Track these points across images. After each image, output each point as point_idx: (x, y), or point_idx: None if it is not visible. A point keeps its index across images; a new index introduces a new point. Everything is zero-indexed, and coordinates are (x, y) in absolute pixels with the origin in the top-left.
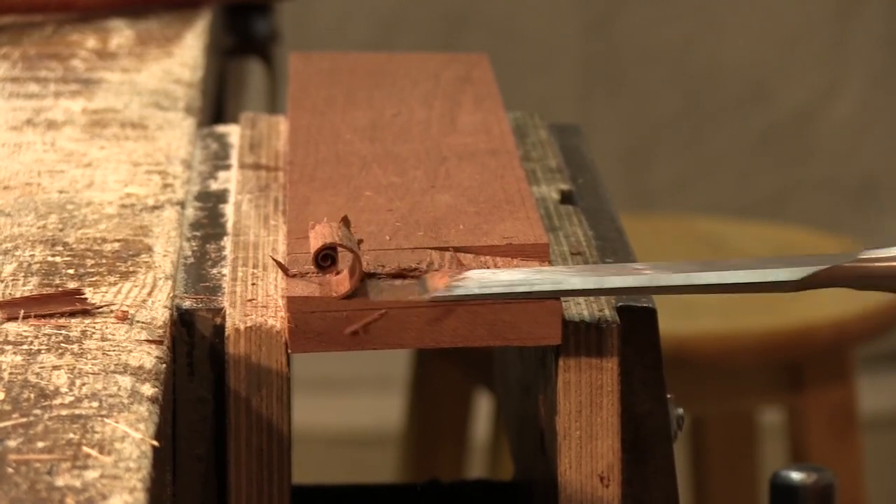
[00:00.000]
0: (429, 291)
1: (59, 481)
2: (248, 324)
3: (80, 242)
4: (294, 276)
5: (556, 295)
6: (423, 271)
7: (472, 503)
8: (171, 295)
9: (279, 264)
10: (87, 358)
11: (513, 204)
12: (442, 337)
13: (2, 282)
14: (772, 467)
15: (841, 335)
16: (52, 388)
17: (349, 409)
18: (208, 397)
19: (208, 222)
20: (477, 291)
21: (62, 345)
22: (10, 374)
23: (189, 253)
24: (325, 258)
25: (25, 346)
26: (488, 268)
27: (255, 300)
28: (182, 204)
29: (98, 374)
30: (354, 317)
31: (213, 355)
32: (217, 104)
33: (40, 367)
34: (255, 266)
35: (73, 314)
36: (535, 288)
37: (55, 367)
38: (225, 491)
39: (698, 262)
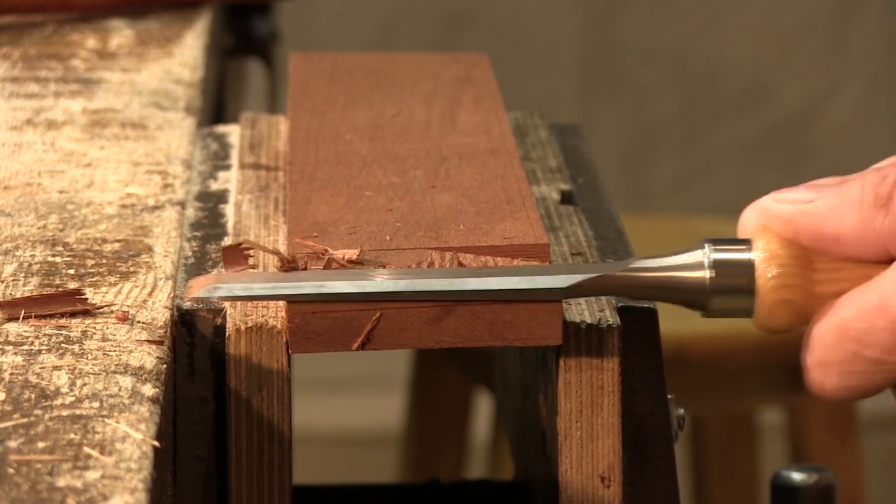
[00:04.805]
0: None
1: (60, 482)
2: (249, 324)
3: (80, 243)
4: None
5: (318, 298)
6: None
7: (472, 503)
8: (171, 295)
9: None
10: (87, 358)
11: (513, 204)
12: (442, 337)
13: (2, 282)
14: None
15: None
16: (52, 388)
17: (349, 409)
18: (209, 398)
19: (209, 222)
20: (240, 293)
21: (63, 345)
22: (11, 374)
23: (189, 253)
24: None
25: (26, 347)
26: (489, 268)
27: None
28: (182, 204)
29: (99, 374)
30: (356, 319)
31: (214, 356)
32: (217, 104)
33: (41, 368)
34: (255, 266)
35: (73, 314)
36: (299, 290)
37: (56, 368)
38: (225, 491)
39: (465, 269)
